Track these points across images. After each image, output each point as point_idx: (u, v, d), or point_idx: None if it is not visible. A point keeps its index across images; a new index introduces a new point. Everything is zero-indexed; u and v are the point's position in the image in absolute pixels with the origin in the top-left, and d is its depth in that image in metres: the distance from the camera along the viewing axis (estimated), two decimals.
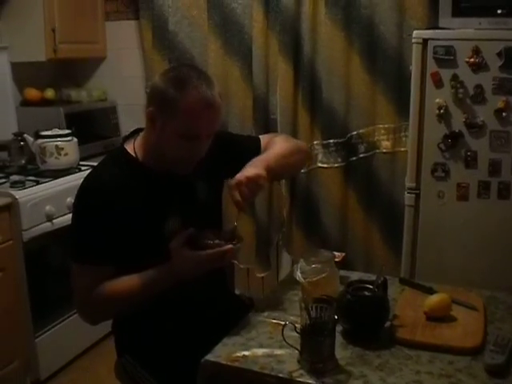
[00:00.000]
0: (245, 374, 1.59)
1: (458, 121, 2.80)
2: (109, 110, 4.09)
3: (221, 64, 3.66)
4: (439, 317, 1.78)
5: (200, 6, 3.66)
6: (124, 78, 4.11)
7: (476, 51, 2.70)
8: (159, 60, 3.81)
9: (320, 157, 3.52)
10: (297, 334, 1.59)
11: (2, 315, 2.91)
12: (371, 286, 1.78)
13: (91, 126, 3.97)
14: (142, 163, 1.88)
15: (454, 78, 2.75)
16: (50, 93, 3.91)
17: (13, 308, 2.99)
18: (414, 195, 2.96)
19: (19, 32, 3.58)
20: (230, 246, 1.76)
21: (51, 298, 3.18)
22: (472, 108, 2.77)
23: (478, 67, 2.71)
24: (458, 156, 2.83)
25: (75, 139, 3.42)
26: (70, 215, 1.89)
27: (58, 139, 3.34)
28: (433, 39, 2.78)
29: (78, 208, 1.85)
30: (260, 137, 2.22)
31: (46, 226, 3.09)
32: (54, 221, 3.11)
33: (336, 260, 2.02)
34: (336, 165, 3.50)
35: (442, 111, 2.80)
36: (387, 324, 1.75)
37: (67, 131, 3.43)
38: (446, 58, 2.75)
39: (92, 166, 2.73)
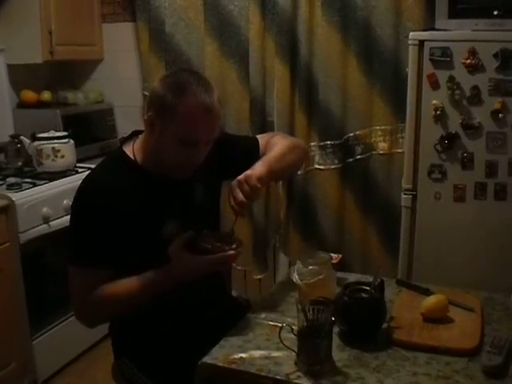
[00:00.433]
0: (242, 376, 1.59)
1: (455, 122, 2.80)
2: (105, 112, 4.09)
3: (217, 66, 3.66)
4: (436, 318, 1.78)
5: (196, 8, 3.66)
6: (121, 80, 4.11)
7: (472, 52, 2.71)
8: (156, 62, 3.81)
9: (317, 158, 3.52)
10: (294, 336, 1.59)
11: None
12: (368, 288, 1.78)
13: (88, 128, 3.96)
14: (140, 166, 1.87)
15: (451, 79, 2.76)
16: (46, 95, 3.90)
17: (9, 310, 2.98)
18: (410, 196, 2.97)
19: (16, 34, 3.58)
20: (231, 251, 1.76)
21: (48, 301, 3.17)
22: (468, 109, 2.77)
23: (475, 68, 2.72)
24: (455, 157, 2.84)
25: (72, 141, 3.42)
26: (67, 217, 1.88)
27: (55, 141, 3.34)
28: (429, 41, 2.78)
29: (75, 210, 1.84)
30: (258, 137, 2.21)
31: (43, 228, 3.08)
32: (50, 223, 3.11)
33: (333, 262, 2.02)
34: (333, 166, 3.50)
35: (438, 113, 2.80)
36: (384, 325, 1.75)
37: (64, 133, 3.43)
38: (443, 59, 2.75)
39: (89, 168, 2.74)
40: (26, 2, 3.55)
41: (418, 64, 2.81)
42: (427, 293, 1.95)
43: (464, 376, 1.52)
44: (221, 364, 1.62)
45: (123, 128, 4.01)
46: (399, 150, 3.31)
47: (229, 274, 3.78)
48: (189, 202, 1.95)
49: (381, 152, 3.41)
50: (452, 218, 2.90)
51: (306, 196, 3.61)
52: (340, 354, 1.64)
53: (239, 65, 3.62)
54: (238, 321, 1.86)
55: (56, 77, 4.10)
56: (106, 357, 2.13)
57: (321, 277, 1.86)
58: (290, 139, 2.21)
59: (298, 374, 1.56)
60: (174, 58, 3.74)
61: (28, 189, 3.09)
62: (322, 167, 3.52)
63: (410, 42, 2.82)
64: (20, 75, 3.81)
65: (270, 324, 1.82)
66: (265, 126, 3.62)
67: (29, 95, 3.84)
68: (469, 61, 2.72)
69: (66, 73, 4.18)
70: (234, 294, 3.70)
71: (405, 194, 2.99)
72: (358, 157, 3.47)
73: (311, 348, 1.56)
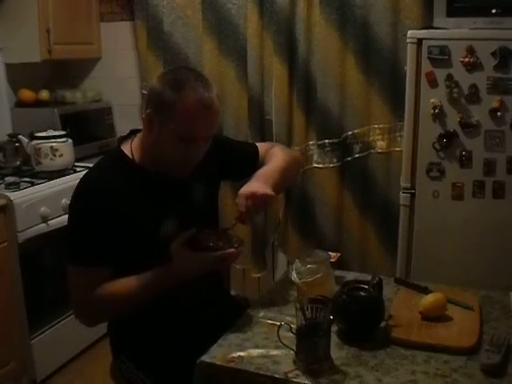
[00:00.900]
0: (240, 374, 1.59)
1: (453, 120, 2.80)
2: (104, 111, 4.09)
3: (216, 64, 3.65)
4: (435, 316, 1.78)
5: (195, 7, 3.65)
6: (119, 79, 4.11)
7: (470, 51, 2.71)
8: (154, 61, 3.81)
9: (315, 157, 3.53)
10: (292, 335, 1.59)
11: None
12: (366, 286, 1.78)
13: (86, 126, 3.96)
14: (139, 165, 1.87)
15: (449, 77, 2.76)
16: (44, 94, 3.90)
17: (8, 310, 2.98)
18: (409, 195, 2.97)
19: (14, 33, 3.57)
20: (233, 249, 1.76)
21: (47, 300, 3.17)
22: (467, 108, 2.77)
23: (473, 67, 2.72)
24: (453, 156, 2.84)
25: (70, 140, 3.41)
26: (66, 216, 1.87)
27: (53, 140, 3.33)
28: (427, 39, 2.78)
29: (74, 209, 1.84)
30: (257, 144, 2.23)
31: (41, 228, 3.08)
32: (49, 222, 3.10)
33: (331, 260, 2.02)
34: (331, 165, 3.50)
35: (436, 111, 2.80)
36: (383, 324, 1.75)
37: (62, 132, 3.42)
38: (441, 57, 2.75)
39: (87, 167, 2.73)
40: (24, 1, 3.54)
41: (416, 62, 2.81)
42: (425, 291, 1.95)
43: (462, 374, 1.52)
44: (219, 363, 1.62)
45: (121, 127, 4.01)
46: (397, 149, 3.31)
47: (227, 273, 3.78)
48: (187, 202, 1.95)
49: (379, 150, 3.41)
50: (450, 216, 2.90)
51: (304, 195, 3.61)
52: (338, 353, 1.64)
53: (237, 63, 3.62)
54: (237, 319, 1.86)
55: (54, 76, 4.10)
56: (105, 356, 2.13)
57: (319, 275, 1.86)
58: (288, 152, 2.23)
59: (297, 372, 1.56)
60: (172, 57, 3.74)
61: (26, 188, 3.08)
62: (320, 166, 3.52)
63: (408, 40, 2.82)
64: (18, 74, 3.81)
65: (268, 322, 1.82)
66: (263, 125, 3.63)
67: (27, 94, 3.83)
68: (467, 59, 2.72)
69: (64, 72, 4.17)
70: (232, 292, 3.69)
71: (403, 193, 2.99)
72: (357, 155, 3.47)
73: (310, 346, 1.57)
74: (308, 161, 3.54)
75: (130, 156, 1.88)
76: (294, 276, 1.88)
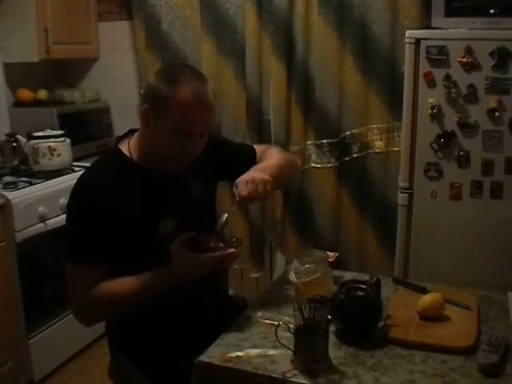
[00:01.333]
0: (238, 374, 1.59)
1: (451, 120, 2.80)
2: (102, 111, 4.09)
3: (214, 64, 3.65)
4: (432, 316, 1.79)
5: (193, 7, 3.65)
6: (117, 79, 4.10)
7: (468, 51, 2.71)
8: (152, 60, 3.81)
9: (313, 157, 3.53)
10: (290, 335, 1.59)
11: None
12: (364, 286, 1.78)
13: (84, 126, 3.96)
14: (136, 163, 1.87)
15: (447, 77, 2.76)
16: (42, 93, 3.89)
17: (6, 309, 2.98)
18: (407, 195, 2.97)
19: (12, 33, 3.57)
20: (233, 249, 1.76)
21: (44, 299, 3.17)
22: (465, 108, 2.78)
23: (471, 67, 2.72)
24: (451, 156, 2.84)
25: (68, 140, 3.41)
26: (64, 216, 1.88)
27: (51, 140, 3.33)
28: (425, 39, 2.78)
29: (72, 208, 1.84)
30: (254, 146, 2.25)
31: (39, 227, 3.08)
32: (47, 222, 3.10)
33: (329, 260, 2.02)
34: (329, 165, 3.50)
35: (434, 111, 2.80)
36: (381, 324, 1.75)
37: (60, 132, 3.42)
38: (439, 57, 2.76)
39: (85, 167, 2.73)
40: (22, 1, 3.54)
41: (414, 62, 2.81)
42: (423, 291, 1.95)
43: (460, 374, 1.52)
44: (217, 362, 1.62)
45: (120, 126, 4.01)
46: (395, 149, 3.31)
47: (225, 273, 3.77)
48: (185, 200, 1.95)
49: (377, 150, 3.41)
50: (448, 216, 2.90)
51: (302, 194, 3.61)
52: (336, 353, 1.64)
53: (236, 63, 3.62)
54: (235, 319, 1.86)
55: (52, 75, 4.09)
56: (103, 355, 2.13)
57: (317, 275, 1.86)
58: (284, 154, 2.28)
59: (295, 372, 1.56)
60: (170, 57, 3.74)
61: (24, 187, 3.08)
62: (318, 166, 3.52)
63: (406, 40, 2.82)
64: (16, 74, 3.81)
65: (266, 322, 1.82)
66: (261, 124, 3.63)
67: (25, 94, 3.83)
68: (465, 59, 2.72)
69: (62, 71, 4.17)
70: (230, 292, 3.69)
71: (401, 193, 2.99)
72: (355, 155, 3.48)
73: (308, 346, 1.57)
74: (306, 161, 3.54)
75: (128, 155, 1.88)
76: (292, 276, 1.88)
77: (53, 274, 3.03)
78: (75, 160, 3.50)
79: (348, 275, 2.15)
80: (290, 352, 1.60)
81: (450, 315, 1.80)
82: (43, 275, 3.15)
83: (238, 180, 1.84)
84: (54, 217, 3.12)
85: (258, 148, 2.21)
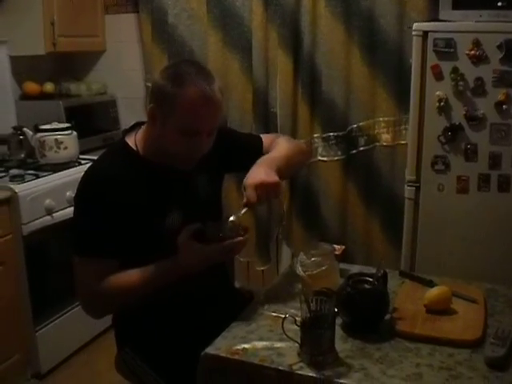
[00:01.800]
0: (245, 366, 1.59)
1: (459, 113, 2.79)
2: (108, 104, 4.09)
3: (220, 57, 3.65)
4: (439, 310, 1.78)
5: None
6: (123, 72, 4.10)
7: (476, 44, 2.69)
8: (159, 53, 3.81)
9: (320, 150, 3.52)
10: (297, 327, 1.59)
11: (2, 309, 2.92)
12: (371, 279, 1.78)
13: (91, 119, 3.97)
14: (143, 157, 1.87)
15: (455, 70, 2.75)
16: (49, 86, 3.90)
17: (13, 302, 2.99)
18: (414, 188, 2.96)
19: (18, 26, 3.57)
20: (240, 238, 1.76)
21: (51, 292, 3.18)
22: (472, 101, 2.76)
23: (479, 60, 2.71)
24: (458, 149, 2.83)
25: (75, 133, 3.41)
26: (70, 209, 1.88)
27: (58, 133, 3.33)
28: (433, 31, 2.77)
29: (78, 201, 1.84)
30: (262, 136, 2.22)
31: (46, 220, 3.09)
32: (53, 214, 3.11)
33: (336, 253, 2.02)
34: (336, 158, 3.49)
35: (442, 104, 2.79)
36: (387, 317, 1.75)
37: (67, 125, 3.42)
38: (447, 50, 2.74)
39: (92, 160, 2.73)
40: None
41: (421, 55, 2.80)
42: (430, 284, 1.95)
43: (467, 367, 1.52)
44: (224, 355, 1.62)
45: (126, 119, 4.01)
46: (402, 142, 3.31)
47: (232, 266, 3.77)
48: (191, 193, 1.95)
49: (384, 143, 3.41)
50: (455, 209, 2.89)
51: (308, 188, 3.61)
52: (343, 345, 1.64)
53: (242, 56, 3.61)
54: (241, 312, 1.86)
55: (59, 68, 4.10)
56: (109, 348, 2.13)
57: (324, 268, 1.86)
58: (293, 142, 2.24)
59: (301, 364, 1.56)
60: (176, 49, 3.73)
61: (31, 180, 3.09)
62: (325, 159, 3.52)
63: (413, 32, 2.81)
64: (23, 67, 3.81)
65: (272, 315, 1.82)
66: (268, 117, 3.62)
67: (31, 87, 3.84)
68: (473, 52, 2.70)
69: (68, 64, 4.17)
70: (237, 285, 3.69)
71: (408, 186, 2.98)
72: (362, 148, 3.47)
73: (314, 339, 1.57)
74: (313, 154, 3.53)
75: (135, 148, 1.88)
76: (298, 269, 1.88)
77: (60, 266, 3.04)
78: (82, 153, 3.50)
79: (354, 268, 2.15)
80: (297, 345, 1.60)
81: (456, 308, 1.80)
82: (50, 268, 3.16)
83: (246, 181, 1.82)
84: (60, 209, 3.13)
85: (265, 138, 2.18)
